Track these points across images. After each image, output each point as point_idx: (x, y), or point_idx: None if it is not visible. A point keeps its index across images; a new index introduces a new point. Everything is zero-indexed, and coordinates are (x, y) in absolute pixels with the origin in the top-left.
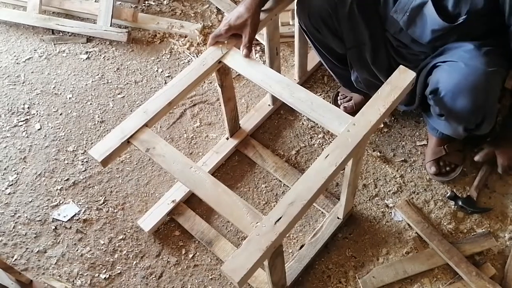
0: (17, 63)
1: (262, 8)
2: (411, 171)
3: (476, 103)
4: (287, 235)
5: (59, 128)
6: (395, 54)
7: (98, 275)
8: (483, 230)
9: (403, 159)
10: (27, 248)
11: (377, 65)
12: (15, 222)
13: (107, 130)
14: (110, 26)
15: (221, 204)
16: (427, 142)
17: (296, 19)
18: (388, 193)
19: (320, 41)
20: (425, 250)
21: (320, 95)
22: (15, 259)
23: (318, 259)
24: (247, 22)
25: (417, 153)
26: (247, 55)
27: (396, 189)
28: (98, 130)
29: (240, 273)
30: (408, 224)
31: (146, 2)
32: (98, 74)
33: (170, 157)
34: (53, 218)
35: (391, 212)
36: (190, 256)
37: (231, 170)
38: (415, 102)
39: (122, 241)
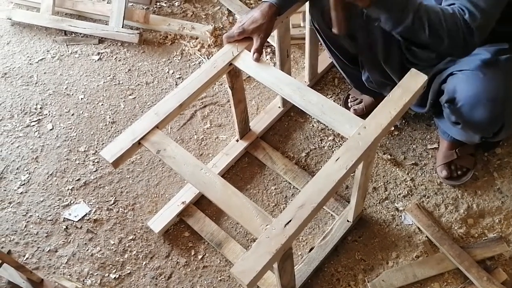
0: (30, 63)
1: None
2: (421, 174)
3: (495, 113)
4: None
5: (70, 129)
6: (408, 52)
7: (108, 275)
8: (495, 234)
9: (414, 162)
10: (38, 247)
11: (389, 64)
12: (27, 221)
13: (118, 131)
14: (122, 27)
15: (231, 206)
16: (438, 145)
17: (307, 21)
18: (398, 196)
19: (332, 40)
20: (435, 254)
21: (331, 97)
22: (27, 258)
23: (327, 262)
24: (261, 28)
25: (428, 156)
26: (258, 60)
27: (406, 192)
28: (109, 131)
29: (249, 276)
30: (418, 228)
31: (158, 3)
32: (109, 75)
33: (181, 159)
34: (64, 218)
35: (401, 216)
36: (200, 257)
37: (240, 172)
38: (427, 106)
39: (132, 241)
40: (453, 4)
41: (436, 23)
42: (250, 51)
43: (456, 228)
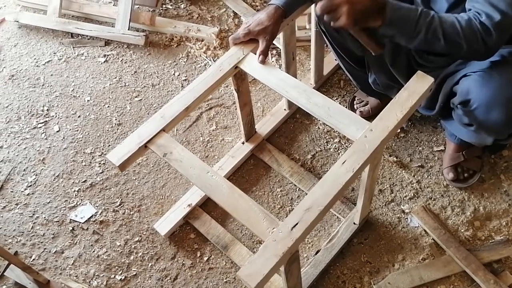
0: (37, 66)
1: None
2: (428, 176)
3: (511, 115)
4: None
5: (77, 130)
6: (417, 55)
7: (114, 276)
8: (502, 237)
9: (420, 164)
10: (45, 249)
11: (396, 67)
12: (34, 223)
13: (124, 133)
14: (128, 29)
15: (238, 210)
16: (445, 147)
17: (313, 23)
18: (404, 198)
19: (338, 43)
20: (441, 257)
21: (337, 99)
22: (33, 259)
23: (333, 264)
24: (267, 30)
25: (434, 158)
26: (263, 62)
27: (412, 194)
28: (115, 133)
29: (256, 279)
30: (425, 230)
31: (164, 5)
32: (115, 77)
33: (187, 162)
34: (71, 219)
35: (407, 218)
36: (205, 259)
37: (246, 174)
38: (436, 109)
39: (138, 243)
40: (470, 10)
41: (451, 32)
42: (255, 53)
43: (462, 230)
